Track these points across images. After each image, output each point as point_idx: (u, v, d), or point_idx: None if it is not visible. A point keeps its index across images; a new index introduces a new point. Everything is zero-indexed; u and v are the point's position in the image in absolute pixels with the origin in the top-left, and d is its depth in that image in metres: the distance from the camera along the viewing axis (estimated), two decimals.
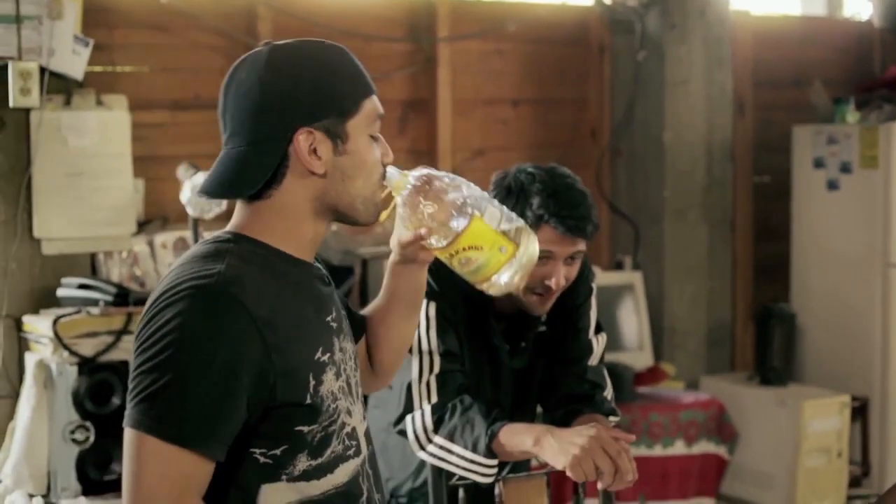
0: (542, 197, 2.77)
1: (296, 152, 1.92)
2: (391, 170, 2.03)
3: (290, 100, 1.92)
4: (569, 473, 2.50)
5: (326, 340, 1.97)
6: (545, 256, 2.77)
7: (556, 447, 2.54)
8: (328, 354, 1.96)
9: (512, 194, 2.81)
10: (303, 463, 1.91)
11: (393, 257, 2.23)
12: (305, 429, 1.90)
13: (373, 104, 1.98)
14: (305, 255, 2.01)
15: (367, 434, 2.09)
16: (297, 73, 1.93)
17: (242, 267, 1.88)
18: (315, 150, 1.92)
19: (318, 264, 2.08)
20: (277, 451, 1.88)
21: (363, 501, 2.02)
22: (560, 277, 2.80)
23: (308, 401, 1.89)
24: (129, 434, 1.81)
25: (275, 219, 1.96)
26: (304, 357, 1.91)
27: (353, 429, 2.01)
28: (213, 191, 1.97)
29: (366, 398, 2.48)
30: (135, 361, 1.84)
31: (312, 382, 1.90)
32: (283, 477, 1.89)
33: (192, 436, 1.78)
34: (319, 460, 1.93)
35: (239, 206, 2.00)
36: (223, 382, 1.80)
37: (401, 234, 2.14)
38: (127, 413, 1.82)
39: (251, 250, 1.93)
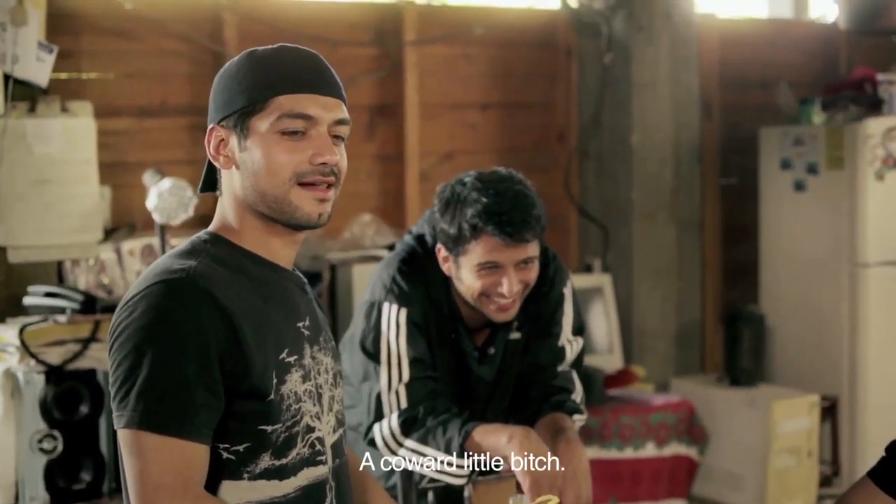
0: (477, 206, 2.70)
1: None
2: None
3: (211, 100, 2.02)
4: (524, 489, 2.51)
5: (295, 344, 2.00)
6: (492, 266, 2.74)
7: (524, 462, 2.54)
8: (295, 357, 1.98)
9: (450, 207, 2.76)
10: (265, 462, 1.93)
11: None
12: (269, 428, 1.92)
13: (292, 101, 1.94)
14: (281, 260, 2.04)
15: (337, 447, 2.08)
16: (223, 74, 2.01)
17: (214, 266, 1.93)
18: (222, 146, 1.98)
19: (297, 273, 2.11)
20: (241, 448, 1.91)
21: None
22: (512, 284, 2.74)
23: (271, 396, 1.92)
24: (123, 435, 1.85)
25: (229, 215, 2.02)
26: (269, 355, 1.93)
27: (321, 438, 2.02)
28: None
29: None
30: (113, 357, 1.88)
31: (275, 381, 1.93)
32: (245, 475, 1.92)
33: (180, 423, 1.82)
34: (284, 461, 1.95)
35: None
36: (199, 368, 1.84)
37: None
38: (115, 414, 1.86)
39: (227, 252, 1.99)
